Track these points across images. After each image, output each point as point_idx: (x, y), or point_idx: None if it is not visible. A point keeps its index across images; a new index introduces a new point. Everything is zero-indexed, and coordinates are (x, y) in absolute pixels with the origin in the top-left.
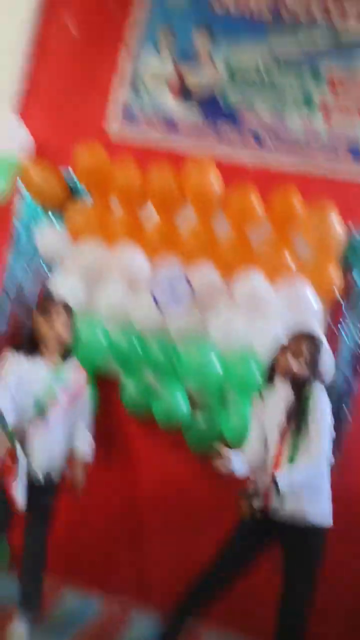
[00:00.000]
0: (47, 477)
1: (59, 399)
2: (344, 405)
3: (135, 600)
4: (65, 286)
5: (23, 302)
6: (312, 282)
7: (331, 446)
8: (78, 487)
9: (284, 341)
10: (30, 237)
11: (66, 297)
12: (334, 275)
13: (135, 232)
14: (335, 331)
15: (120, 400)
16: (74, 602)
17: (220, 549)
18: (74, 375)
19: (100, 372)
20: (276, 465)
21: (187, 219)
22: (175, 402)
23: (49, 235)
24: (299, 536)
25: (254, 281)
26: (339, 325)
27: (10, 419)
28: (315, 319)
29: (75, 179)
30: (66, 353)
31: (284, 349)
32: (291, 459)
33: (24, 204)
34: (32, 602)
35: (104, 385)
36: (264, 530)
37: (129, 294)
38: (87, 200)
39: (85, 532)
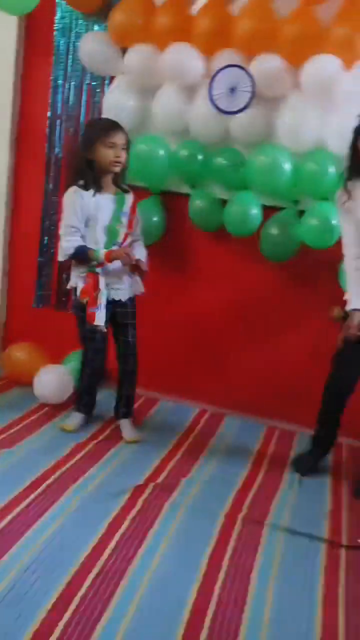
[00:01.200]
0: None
1: (124, 223)
2: None
3: (225, 408)
4: (118, 100)
5: (73, 121)
6: None
7: None
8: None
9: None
10: (73, 50)
11: (117, 113)
12: None
13: (186, 29)
14: None
15: (189, 216)
16: (172, 410)
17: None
18: (130, 199)
19: (166, 190)
20: None
21: (241, 2)
22: (247, 211)
23: (92, 45)
24: None
25: (324, 67)
26: None
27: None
28: None
29: None
30: (120, 178)
31: None
32: None
33: (61, 12)
34: (130, 409)
35: (173, 203)
36: None
37: (186, 101)
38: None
39: (170, 347)
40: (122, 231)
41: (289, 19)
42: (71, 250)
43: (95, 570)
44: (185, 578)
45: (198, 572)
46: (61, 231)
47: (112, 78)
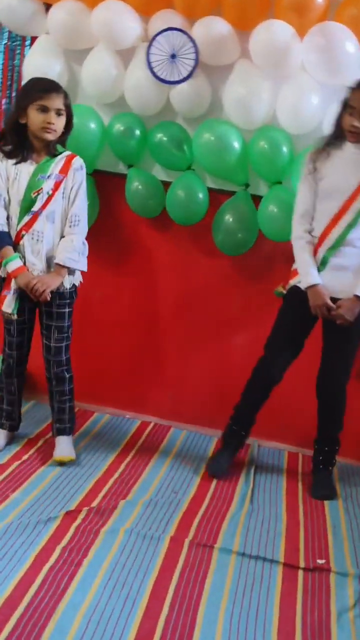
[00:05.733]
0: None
1: (45, 188)
2: None
3: (170, 419)
4: (41, 64)
5: None
6: (351, 27)
7: None
8: (35, 293)
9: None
10: None
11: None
12: None
13: None
14: None
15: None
16: (109, 423)
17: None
18: (63, 164)
19: (98, 169)
20: (320, 243)
21: None
22: (192, 195)
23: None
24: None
25: (275, 33)
26: None
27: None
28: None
29: None
30: (54, 147)
31: (346, 108)
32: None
33: None
34: (65, 424)
35: (107, 185)
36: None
37: (120, 68)
38: None
39: (105, 352)
40: (42, 197)
41: None
42: None
43: (19, 611)
44: (124, 613)
45: (139, 606)
46: None
47: (33, 38)
